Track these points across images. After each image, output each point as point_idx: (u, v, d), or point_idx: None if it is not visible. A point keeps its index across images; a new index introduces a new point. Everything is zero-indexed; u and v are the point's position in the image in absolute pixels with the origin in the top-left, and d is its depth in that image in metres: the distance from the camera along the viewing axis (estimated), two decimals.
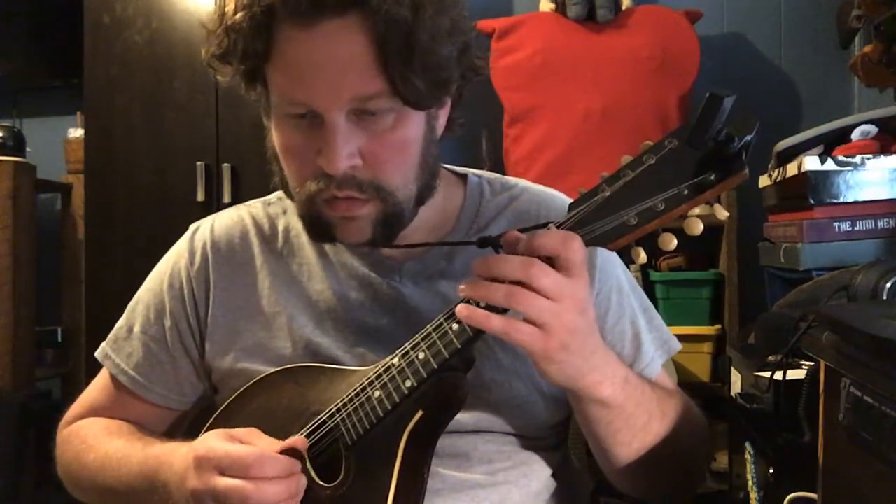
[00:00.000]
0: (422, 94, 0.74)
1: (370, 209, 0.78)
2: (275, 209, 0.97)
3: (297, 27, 0.72)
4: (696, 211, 0.66)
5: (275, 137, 0.81)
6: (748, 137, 0.62)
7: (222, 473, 0.71)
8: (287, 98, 0.76)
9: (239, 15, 0.74)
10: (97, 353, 0.97)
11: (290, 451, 0.74)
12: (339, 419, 0.76)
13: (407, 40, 0.71)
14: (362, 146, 0.76)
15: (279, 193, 0.98)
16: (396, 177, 0.79)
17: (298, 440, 0.75)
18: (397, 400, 0.73)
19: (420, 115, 0.79)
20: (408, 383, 0.72)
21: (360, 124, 0.76)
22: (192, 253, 0.94)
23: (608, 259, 0.91)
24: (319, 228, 0.81)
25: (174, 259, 0.96)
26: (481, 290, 0.66)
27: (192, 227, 0.98)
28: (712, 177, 0.63)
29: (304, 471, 0.76)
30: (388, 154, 0.77)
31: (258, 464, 0.70)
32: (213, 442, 0.74)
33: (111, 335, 0.97)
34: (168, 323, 0.93)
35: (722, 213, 0.67)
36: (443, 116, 0.85)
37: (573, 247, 0.65)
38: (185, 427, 0.99)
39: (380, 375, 0.74)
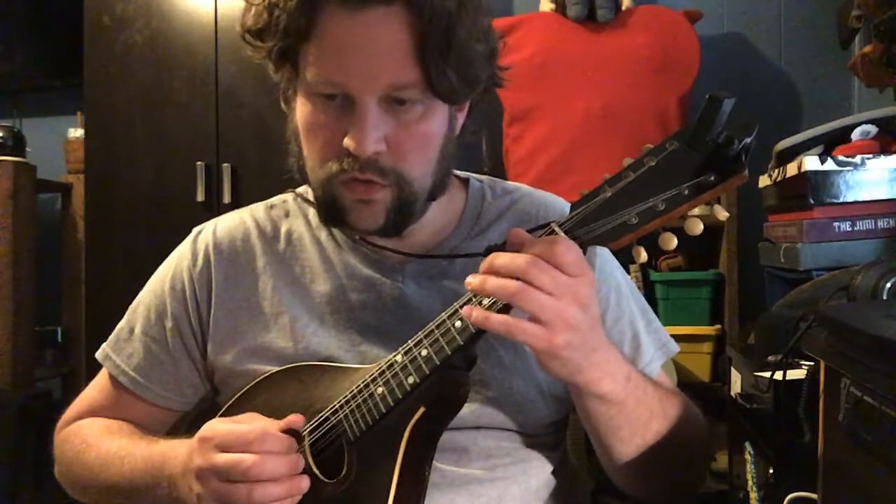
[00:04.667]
0: (453, 89, 0.76)
1: (386, 194, 0.80)
2: (277, 212, 0.97)
3: (344, 9, 0.73)
4: (696, 211, 0.67)
5: (299, 116, 0.82)
6: (747, 140, 0.63)
7: (224, 451, 0.72)
8: (322, 77, 0.77)
9: None
10: (98, 354, 0.97)
11: (290, 433, 0.75)
12: (342, 415, 0.77)
13: (447, 34, 0.73)
14: (389, 134, 0.78)
15: (282, 196, 0.99)
16: (416, 167, 0.80)
17: (297, 418, 0.77)
18: (400, 396, 0.74)
19: (444, 110, 0.81)
20: (410, 380, 0.73)
21: (390, 112, 0.77)
22: (194, 255, 0.95)
23: (607, 261, 0.93)
24: (333, 212, 0.83)
25: (176, 261, 0.96)
26: (488, 286, 0.66)
27: (195, 229, 0.99)
28: (712, 178, 0.64)
29: (307, 466, 0.77)
30: (412, 144, 0.79)
31: (260, 439, 0.72)
32: (216, 424, 0.76)
33: (112, 336, 0.97)
34: (169, 324, 0.93)
35: (722, 214, 0.69)
36: (461, 119, 0.87)
37: (557, 250, 0.66)
38: (185, 428, 0.99)
39: (383, 372, 0.75)
